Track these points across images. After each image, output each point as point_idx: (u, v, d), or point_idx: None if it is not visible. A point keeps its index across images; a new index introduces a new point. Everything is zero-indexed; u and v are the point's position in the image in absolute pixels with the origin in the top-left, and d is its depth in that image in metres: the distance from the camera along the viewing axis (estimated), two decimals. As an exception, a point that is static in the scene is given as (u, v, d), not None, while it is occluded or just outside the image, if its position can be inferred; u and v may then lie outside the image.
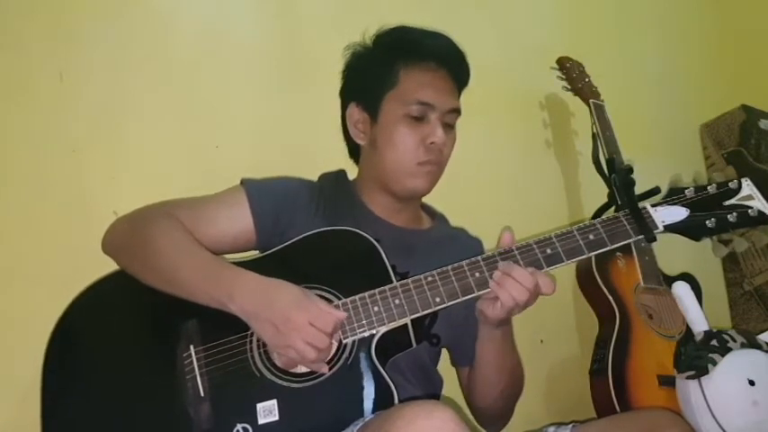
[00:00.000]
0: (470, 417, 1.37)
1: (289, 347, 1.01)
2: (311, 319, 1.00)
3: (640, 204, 1.14)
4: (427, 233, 1.34)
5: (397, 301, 1.07)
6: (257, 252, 1.22)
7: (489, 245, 1.39)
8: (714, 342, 1.33)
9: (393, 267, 1.14)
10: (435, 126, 1.21)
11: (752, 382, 1.30)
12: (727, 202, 1.12)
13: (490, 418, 1.32)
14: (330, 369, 1.05)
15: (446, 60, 1.24)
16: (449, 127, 1.25)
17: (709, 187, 1.14)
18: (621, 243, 1.12)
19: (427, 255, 1.23)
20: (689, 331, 1.42)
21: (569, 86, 1.94)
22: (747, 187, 1.13)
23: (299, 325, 1.00)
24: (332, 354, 1.06)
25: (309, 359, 1.01)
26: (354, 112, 1.28)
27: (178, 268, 1.09)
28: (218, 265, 1.09)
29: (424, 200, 1.38)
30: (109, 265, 1.16)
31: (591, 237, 1.11)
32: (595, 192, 1.83)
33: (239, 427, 1.02)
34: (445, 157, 1.25)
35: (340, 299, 1.09)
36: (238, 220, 1.20)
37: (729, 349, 1.32)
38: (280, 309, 1.01)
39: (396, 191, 1.26)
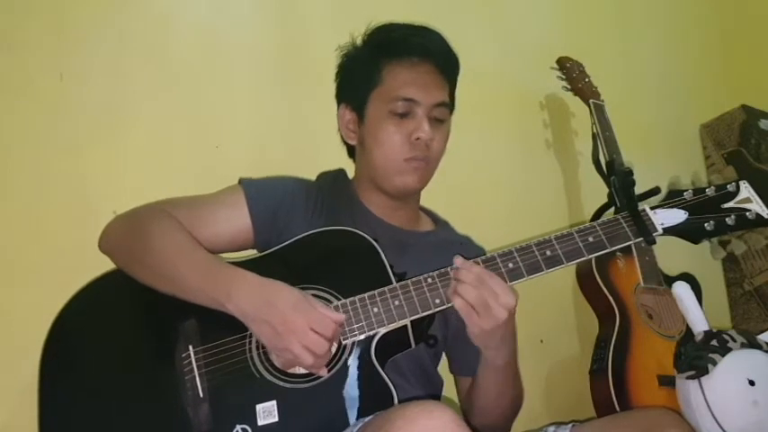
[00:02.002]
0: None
1: (286, 350, 1.00)
2: (310, 323, 1.00)
3: (639, 207, 1.14)
4: (427, 235, 1.34)
5: (396, 303, 1.07)
6: (255, 252, 1.22)
7: (489, 246, 1.39)
8: (714, 342, 1.33)
9: (391, 267, 1.13)
10: (421, 121, 1.21)
11: (752, 383, 1.29)
12: (726, 205, 1.13)
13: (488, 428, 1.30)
14: (330, 370, 1.05)
15: (430, 54, 1.23)
16: (438, 121, 1.24)
17: (707, 190, 1.14)
18: (621, 245, 1.12)
19: (427, 257, 1.23)
20: (689, 331, 1.41)
21: (569, 86, 1.94)
22: (745, 190, 1.13)
23: (298, 328, 0.99)
24: (331, 355, 1.05)
25: (306, 364, 1.01)
26: (345, 112, 1.29)
27: (176, 267, 1.08)
28: (217, 264, 1.09)
29: (428, 204, 1.38)
30: (109, 265, 1.16)
31: (590, 239, 1.11)
32: (595, 192, 1.83)
33: (239, 428, 1.02)
34: (434, 152, 1.24)
35: (339, 299, 1.09)
36: (236, 220, 1.20)
37: (729, 349, 1.31)
38: (278, 311, 1.01)
39: (387, 189, 1.26)
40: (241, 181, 1.25)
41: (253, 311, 1.02)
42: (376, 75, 1.23)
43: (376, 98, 1.24)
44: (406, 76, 1.22)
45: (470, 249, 1.37)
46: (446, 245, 1.32)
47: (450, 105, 1.27)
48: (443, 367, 1.35)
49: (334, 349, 1.06)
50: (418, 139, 1.20)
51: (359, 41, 1.30)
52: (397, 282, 1.10)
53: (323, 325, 1.00)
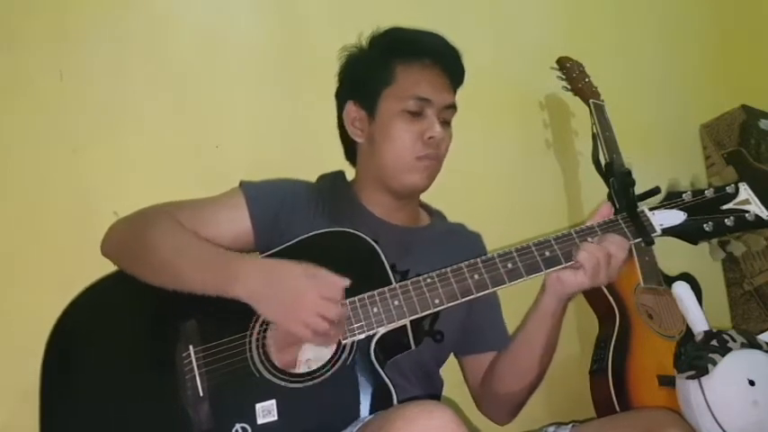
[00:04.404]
0: (469, 417, 1.37)
1: (298, 320, 1.02)
2: (319, 290, 1.02)
3: (638, 208, 1.14)
4: (426, 230, 1.34)
5: (396, 303, 1.07)
6: (257, 254, 1.22)
7: (489, 244, 1.39)
8: (714, 342, 1.33)
9: (393, 266, 1.14)
10: (432, 121, 1.22)
11: (752, 382, 1.30)
12: (725, 207, 1.13)
13: (511, 404, 1.29)
14: (329, 369, 1.05)
15: (441, 57, 1.26)
16: (445, 123, 1.26)
17: (706, 191, 1.14)
18: (619, 246, 1.11)
19: (428, 251, 1.24)
20: (689, 331, 1.42)
21: (569, 86, 1.94)
22: (744, 191, 1.14)
23: (308, 297, 1.02)
24: (336, 347, 1.06)
25: (321, 330, 1.02)
26: (351, 110, 1.29)
27: (181, 262, 1.09)
28: (220, 252, 1.10)
29: (424, 199, 1.38)
30: (109, 266, 1.17)
31: (589, 239, 1.11)
32: (595, 192, 1.83)
33: (238, 426, 1.02)
34: (443, 152, 1.26)
35: (339, 299, 1.09)
36: (237, 222, 1.20)
37: (729, 349, 1.32)
38: (286, 284, 1.03)
39: (395, 187, 1.26)
40: (241, 184, 1.26)
41: (261, 289, 1.04)
42: (388, 74, 1.25)
43: (388, 96, 1.24)
44: (419, 76, 1.24)
45: (466, 237, 1.40)
46: (445, 235, 1.34)
47: (456, 108, 1.28)
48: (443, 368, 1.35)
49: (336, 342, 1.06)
50: (431, 138, 1.22)
51: (365, 43, 1.31)
52: (399, 280, 1.10)
53: (331, 290, 1.03)
